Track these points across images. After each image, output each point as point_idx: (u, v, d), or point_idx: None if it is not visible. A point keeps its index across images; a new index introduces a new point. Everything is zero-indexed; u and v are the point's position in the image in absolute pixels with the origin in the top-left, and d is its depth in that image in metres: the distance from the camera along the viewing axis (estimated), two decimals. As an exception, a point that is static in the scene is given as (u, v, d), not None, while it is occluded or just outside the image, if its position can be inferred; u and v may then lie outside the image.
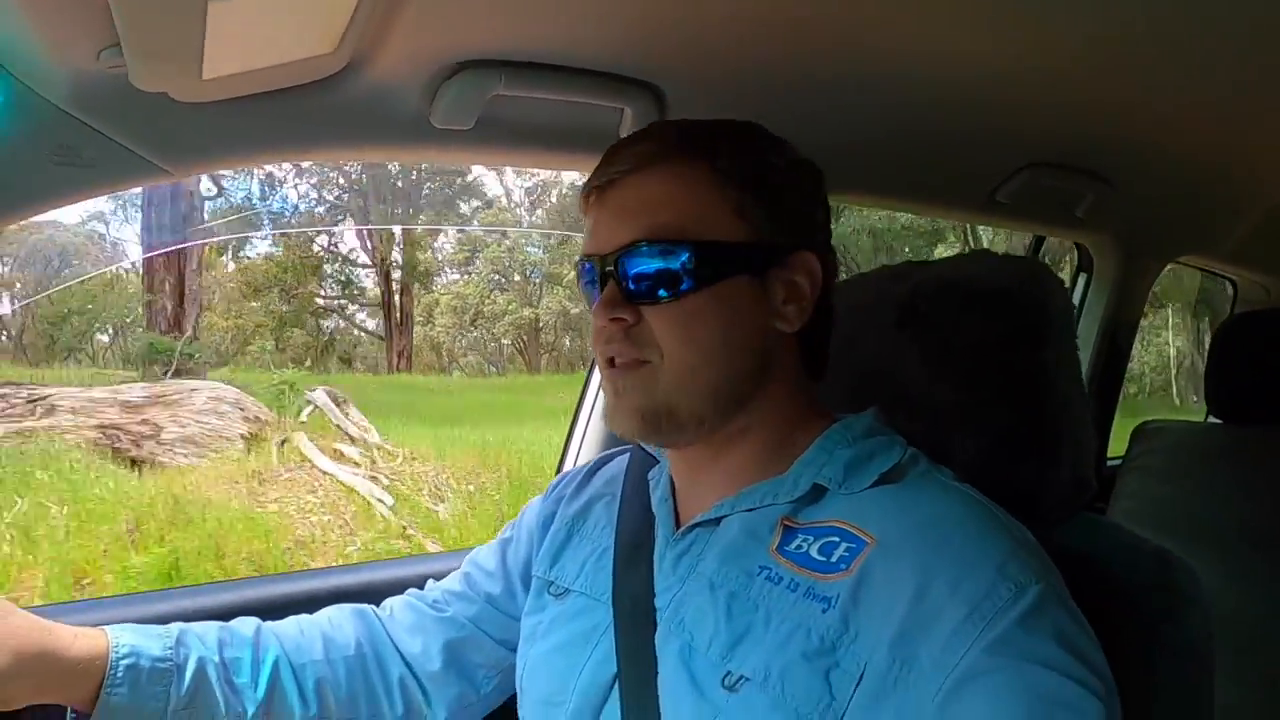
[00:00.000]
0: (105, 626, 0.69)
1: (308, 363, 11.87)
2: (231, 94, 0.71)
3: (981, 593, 0.53)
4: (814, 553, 0.60)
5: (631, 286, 0.63)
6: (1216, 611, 0.66)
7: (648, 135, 0.68)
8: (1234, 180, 1.37)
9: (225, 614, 0.93)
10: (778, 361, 0.66)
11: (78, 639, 0.66)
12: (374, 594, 1.06)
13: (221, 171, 1.01)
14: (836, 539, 0.60)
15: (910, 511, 0.59)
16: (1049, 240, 1.67)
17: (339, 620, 0.80)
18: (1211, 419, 1.51)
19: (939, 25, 0.79)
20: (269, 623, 0.78)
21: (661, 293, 0.62)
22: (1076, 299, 1.62)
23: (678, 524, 0.70)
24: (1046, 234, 1.58)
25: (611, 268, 0.64)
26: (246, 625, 0.77)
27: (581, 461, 1.29)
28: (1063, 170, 1.22)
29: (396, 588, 1.10)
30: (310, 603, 1.02)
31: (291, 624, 0.79)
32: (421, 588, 0.87)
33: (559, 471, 1.36)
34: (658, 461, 0.77)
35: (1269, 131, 1.15)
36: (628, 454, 0.81)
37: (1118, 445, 1.64)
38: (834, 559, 0.59)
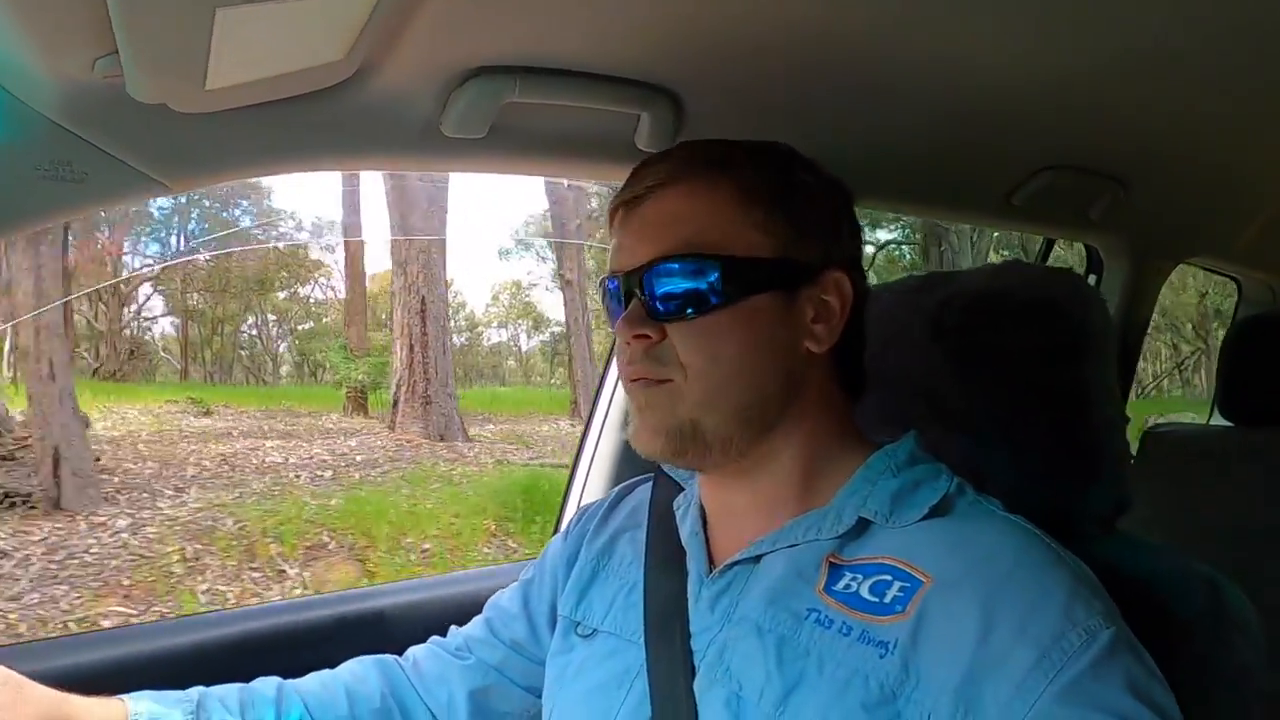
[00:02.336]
0: (123, 696, 0.67)
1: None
2: (234, 104, 0.67)
3: (1050, 636, 0.50)
4: (865, 593, 0.57)
5: (655, 303, 0.61)
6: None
7: (671, 153, 0.66)
8: (1244, 181, 1.36)
9: (231, 644, 0.90)
10: (808, 382, 0.64)
11: (94, 710, 0.64)
12: (376, 621, 1.03)
13: (222, 184, 0.98)
14: (888, 578, 0.57)
15: (966, 547, 0.56)
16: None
17: (361, 673, 0.77)
18: (1219, 420, 1.50)
19: (957, 33, 0.77)
20: (290, 680, 0.75)
21: (686, 310, 0.61)
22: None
23: (711, 558, 0.67)
24: (1060, 236, 1.56)
25: (636, 285, 0.62)
26: (268, 685, 0.74)
27: (590, 490, 1.26)
28: (1078, 173, 1.20)
29: (400, 613, 1.07)
30: (313, 632, 0.99)
31: (313, 680, 0.76)
32: (430, 617, 0.84)
33: (564, 499, 1.33)
34: (683, 489, 0.74)
35: (1278, 133, 1.14)
36: (649, 482, 0.78)
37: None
38: (887, 599, 0.56)
